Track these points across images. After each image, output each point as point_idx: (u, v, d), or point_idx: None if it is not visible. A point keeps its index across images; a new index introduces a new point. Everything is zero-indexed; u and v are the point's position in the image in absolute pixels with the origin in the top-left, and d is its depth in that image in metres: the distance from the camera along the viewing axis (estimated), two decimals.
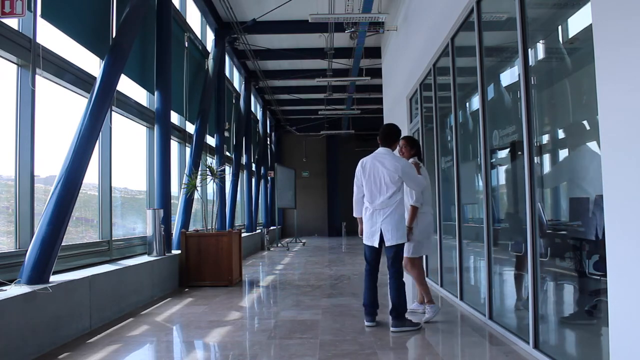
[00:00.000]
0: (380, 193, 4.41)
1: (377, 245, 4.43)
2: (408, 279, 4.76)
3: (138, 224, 7.15)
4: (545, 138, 3.72)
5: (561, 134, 3.61)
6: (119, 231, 6.37)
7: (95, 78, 5.11)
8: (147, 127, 7.09)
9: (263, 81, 14.00)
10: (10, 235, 4.25)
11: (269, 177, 17.37)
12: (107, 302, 4.73)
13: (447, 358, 3.54)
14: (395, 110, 10.08)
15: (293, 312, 5.11)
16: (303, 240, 16.71)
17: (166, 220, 6.63)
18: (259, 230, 14.99)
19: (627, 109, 2.33)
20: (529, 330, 3.51)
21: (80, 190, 4.51)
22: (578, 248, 3.24)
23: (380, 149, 4.54)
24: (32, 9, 4.20)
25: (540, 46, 3.75)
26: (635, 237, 2.26)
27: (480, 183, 4.74)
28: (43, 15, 4.34)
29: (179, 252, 6.96)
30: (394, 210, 4.39)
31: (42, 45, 4.37)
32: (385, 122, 11.92)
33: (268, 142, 18.87)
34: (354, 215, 4.61)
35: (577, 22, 3.19)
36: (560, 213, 3.65)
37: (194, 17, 9.45)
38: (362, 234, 4.55)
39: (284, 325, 4.54)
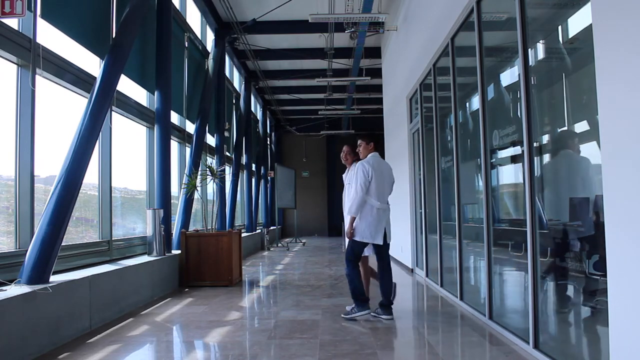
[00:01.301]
0: (385, 193, 4.81)
1: (381, 243, 4.73)
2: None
3: (138, 224, 7.15)
4: (545, 138, 3.71)
5: (561, 134, 3.60)
6: (119, 231, 6.37)
7: (95, 78, 5.11)
8: (147, 127, 7.09)
9: (263, 81, 14.00)
10: (10, 235, 4.25)
11: (269, 177, 17.37)
12: (107, 302, 4.73)
13: (447, 358, 3.54)
14: (395, 110, 10.08)
15: (293, 312, 5.11)
16: (303, 240, 16.71)
17: (166, 220, 6.63)
18: (259, 230, 14.99)
19: (627, 109, 2.33)
20: (529, 330, 3.51)
21: (80, 190, 4.51)
22: (578, 248, 3.24)
23: (376, 153, 4.96)
24: (32, 9, 4.20)
25: (540, 46, 3.74)
26: (635, 237, 2.26)
27: (480, 183, 4.74)
28: (43, 16, 4.34)
29: (179, 252, 6.96)
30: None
31: (42, 45, 4.37)
32: (386, 122, 11.92)
33: (268, 142, 18.87)
34: (354, 214, 4.67)
35: (577, 22, 3.19)
36: (560, 213, 3.65)
37: (194, 17, 9.45)
38: (351, 234, 4.72)
39: (284, 325, 4.54)
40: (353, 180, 4.95)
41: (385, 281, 4.82)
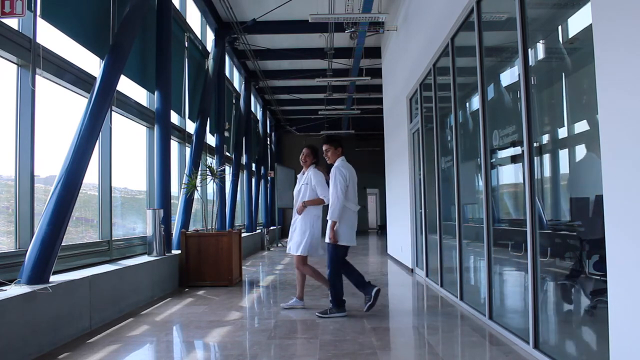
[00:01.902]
0: (356, 197, 5.06)
1: (356, 244, 5.04)
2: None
3: (138, 224, 7.15)
4: (545, 138, 3.72)
5: (561, 134, 3.61)
6: (119, 231, 6.37)
7: (95, 78, 5.11)
8: (147, 127, 7.09)
9: (263, 81, 14.00)
10: (10, 235, 4.25)
11: (269, 177, 17.37)
12: (107, 302, 4.73)
13: (447, 358, 3.54)
14: (395, 110, 10.08)
15: (293, 312, 5.11)
16: None
17: (166, 220, 6.63)
18: (259, 230, 14.98)
19: (627, 109, 2.33)
20: (529, 330, 3.51)
21: (80, 190, 4.51)
22: (578, 248, 3.24)
23: (343, 157, 5.10)
24: (32, 9, 4.20)
25: (540, 46, 3.75)
26: (635, 237, 2.26)
27: (480, 183, 4.74)
28: (43, 16, 4.34)
29: (179, 252, 6.96)
30: None
31: (42, 45, 4.36)
32: (386, 121, 11.92)
33: (268, 142, 18.87)
34: (336, 219, 4.81)
35: (577, 22, 3.19)
36: (560, 213, 3.66)
37: (194, 17, 9.45)
38: (334, 239, 4.83)
39: (284, 325, 4.54)
40: (311, 182, 5.16)
41: (356, 275, 4.99)
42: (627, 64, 2.32)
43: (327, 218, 4.83)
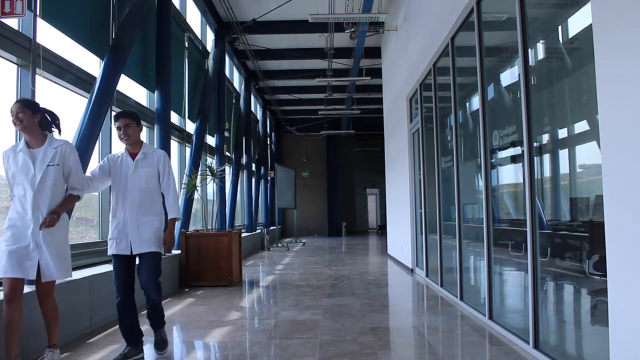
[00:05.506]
0: None
1: None
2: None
3: None
4: (545, 138, 3.72)
5: (561, 134, 3.61)
6: None
7: (95, 78, 5.11)
8: (147, 127, 7.09)
9: (263, 81, 14.01)
10: None
11: (269, 177, 17.38)
12: (107, 302, 4.72)
13: (447, 358, 3.54)
14: (395, 110, 10.08)
15: (293, 312, 5.11)
16: (303, 240, 16.71)
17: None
18: (259, 230, 14.99)
19: (627, 109, 2.33)
20: (529, 330, 3.51)
21: None
22: (578, 248, 3.24)
23: None
24: (32, 9, 4.20)
25: (540, 46, 3.75)
26: (635, 237, 2.26)
27: (480, 183, 4.74)
28: (43, 16, 4.34)
29: (179, 252, 6.96)
30: None
31: (42, 45, 4.36)
32: (386, 121, 11.90)
33: (268, 142, 18.88)
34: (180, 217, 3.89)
35: (577, 22, 3.19)
36: (560, 213, 3.65)
37: (194, 17, 9.46)
38: (172, 243, 3.80)
39: (284, 325, 4.54)
40: (63, 160, 3.21)
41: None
42: (628, 64, 2.32)
43: (174, 215, 3.68)
